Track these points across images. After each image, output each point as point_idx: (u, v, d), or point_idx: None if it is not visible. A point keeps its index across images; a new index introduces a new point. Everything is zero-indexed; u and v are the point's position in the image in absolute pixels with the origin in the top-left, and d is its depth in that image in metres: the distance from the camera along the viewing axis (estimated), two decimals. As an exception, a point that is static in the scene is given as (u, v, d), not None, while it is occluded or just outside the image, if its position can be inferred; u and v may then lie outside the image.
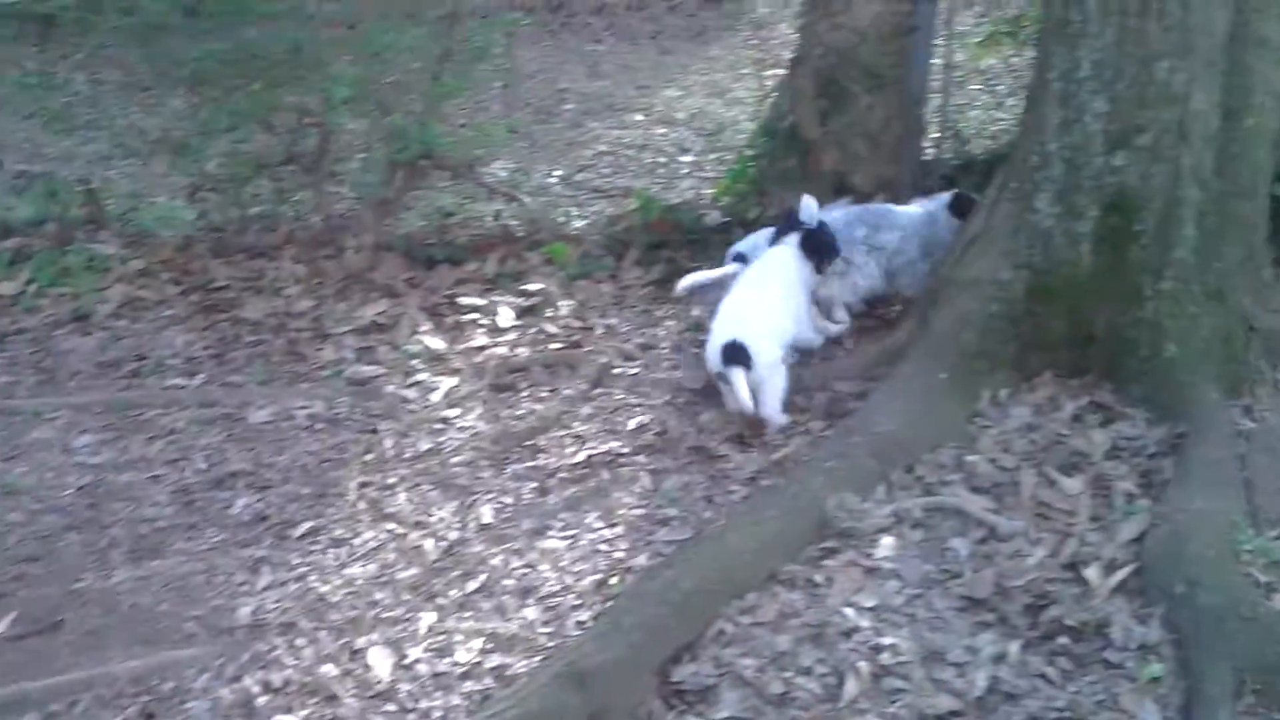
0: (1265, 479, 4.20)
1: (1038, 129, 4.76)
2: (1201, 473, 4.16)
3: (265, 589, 4.01)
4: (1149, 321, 4.66)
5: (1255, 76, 5.06)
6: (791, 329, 4.97)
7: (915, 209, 5.55)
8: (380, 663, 3.66)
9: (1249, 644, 3.39)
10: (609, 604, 3.78)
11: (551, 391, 5.18)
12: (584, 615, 3.81)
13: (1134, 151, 4.56)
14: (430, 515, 4.38)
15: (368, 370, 5.43)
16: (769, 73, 7.32)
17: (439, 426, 4.97)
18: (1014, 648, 3.58)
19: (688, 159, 8.12)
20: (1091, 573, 3.84)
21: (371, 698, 3.53)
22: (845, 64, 5.83)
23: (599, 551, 4.13)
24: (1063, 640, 3.59)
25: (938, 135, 6.41)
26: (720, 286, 5.08)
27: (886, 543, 4.03)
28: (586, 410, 5.04)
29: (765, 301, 4.87)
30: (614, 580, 3.95)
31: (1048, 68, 4.73)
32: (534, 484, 4.55)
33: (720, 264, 5.44)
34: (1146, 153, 4.56)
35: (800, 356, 5.14)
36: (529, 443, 4.79)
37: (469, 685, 3.57)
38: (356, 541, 4.25)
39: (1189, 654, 3.48)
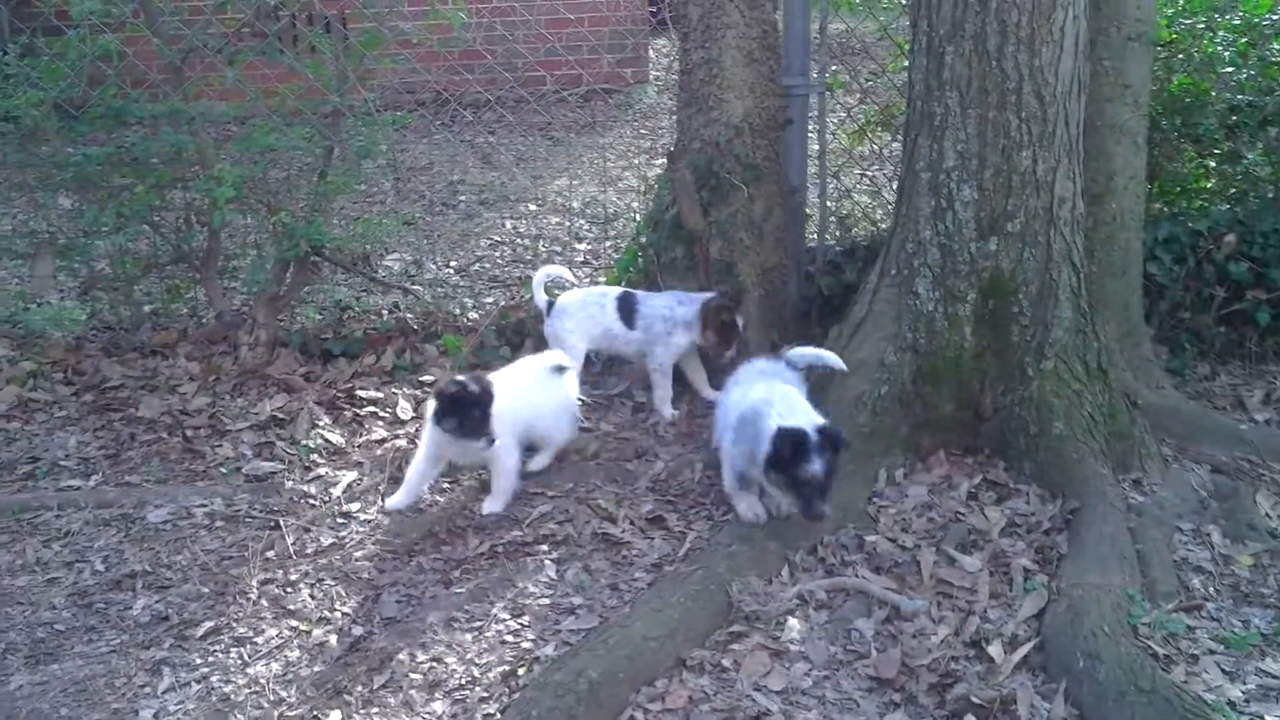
0: (1157, 552, 4.39)
1: (911, 217, 4.98)
2: (1095, 548, 4.32)
3: (167, 691, 3.95)
4: (1034, 400, 4.87)
5: (1115, 162, 5.40)
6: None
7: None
8: (287, 762, 3.63)
9: (1149, 716, 3.49)
10: (516, 695, 3.79)
11: (453, 482, 5.22)
12: (492, 708, 3.82)
13: (1005, 237, 4.80)
14: (334, 610, 4.37)
15: (267, 466, 5.41)
16: (659, 162, 7.48)
17: (341, 521, 4.97)
18: (920, 726, 3.68)
19: (582, 247, 8.25)
20: (994, 649, 3.98)
21: (279, 798, 3.50)
22: (722, 156, 6.01)
23: (505, 642, 4.15)
24: (969, 718, 3.68)
25: (819, 223, 6.61)
26: None
27: (792, 625, 4.13)
28: (488, 499, 5.08)
29: None
30: (521, 671, 3.97)
31: (916, 158, 4.96)
32: (438, 575, 4.57)
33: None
34: (1017, 238, 4.79)
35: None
36: (433, 534, 4.81)
37: (378, 781, 3.56)
38: (259, 640, 4.22)
39: (1093, 728, 3.60)
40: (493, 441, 4.79)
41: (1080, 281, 4.88)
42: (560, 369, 5.36)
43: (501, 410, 4.86)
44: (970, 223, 4.81)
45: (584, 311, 5.88)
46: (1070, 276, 4.85)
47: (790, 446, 4.28)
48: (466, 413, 4.76)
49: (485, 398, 4.79)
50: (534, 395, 5.22)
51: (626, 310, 5.85)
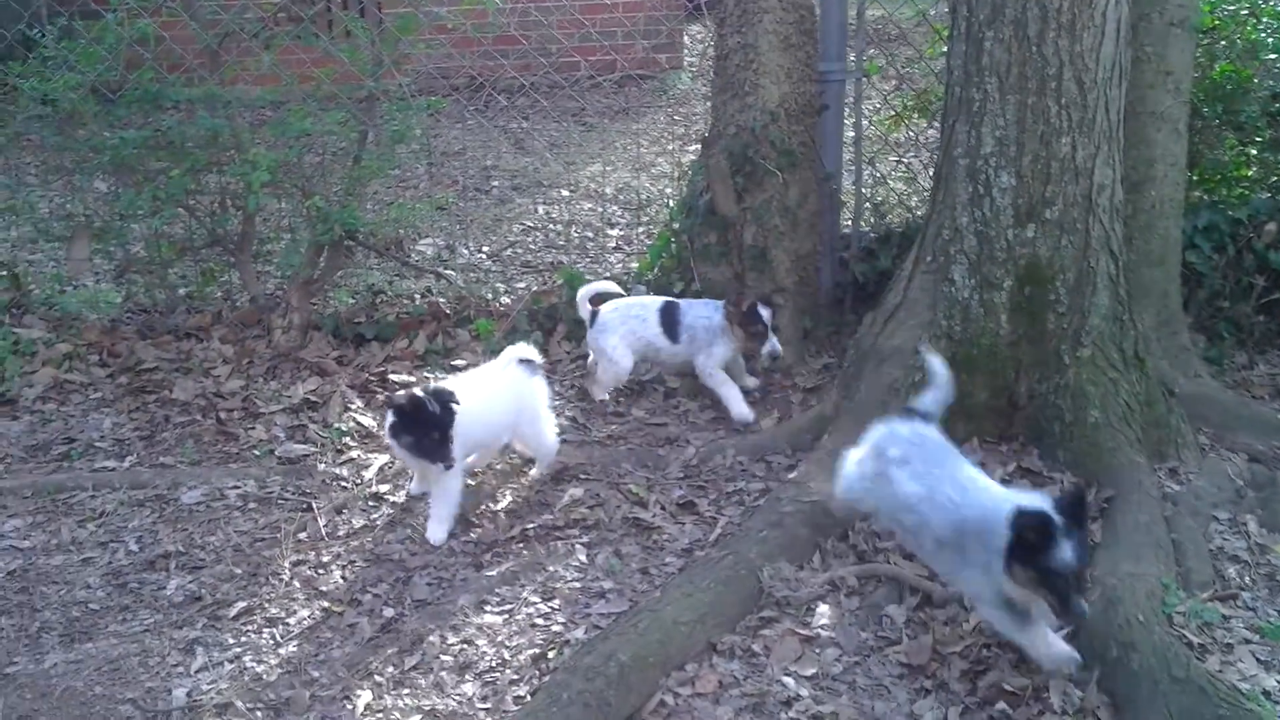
0: (1193, 541, 4.35)
1: (948, 203, 4.94)
2: (1130, 536, 4.28)
3: (200, 670, 3.98)
4: (1070, 388, 4.82)
5: (1155, 149, 5.33)
6: None
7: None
8: (318, 742, 3.65)
9: (1183, 705, 3.47)
10: (547, 678, 3.80)
11: (485, 467, 5.22)
12: (522, 690, 3.83)
13: (1043, 224, 4.75)
14: (365, 592, 4.38)
15: (299, 449, 5.44)
16: (693, 148, 7.47)
17: (372, 503, 4.99)
18: (954, 714, 3.66)
19: (615, 233, 8.24)
20: (1027, 638, 3.95)
21: (310, 777, 3.52)
22: (757, 142, 5.99)
23: (536, 625, 4.16)
24: (1001, 706, 3.66)
25: (854, 209, 6.58)
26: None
27: (823, 611, 4.12)
28: (520, 483, 5.08)
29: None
30: (551, 654, 3.98)
31: (953, 144, 4.92)
32: (469, 558, 4.58)
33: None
34: (1055, 225, 4.74)
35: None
36: (464, 517, 4.82)
37: (408, 762, 3.57)
38: (291, 620, 4.24)
39: (1126, 716, 3.58)
40: (451, 465, 4.56)
41: (1118, 269, 4.83)
42: (530, 364, 5.12)
43: (469, 419, 4.63)
44: (1008, 209, 4.77)
45: (626, 325, 5.78)
46: (1108, 264, 4.80)
47: (1037, 533, 3.46)
48: (424, 432, 4.51)
49: (446, 416, 4.51)
50: (504, 399, 4.99)
51: (669, 322, 5.76)
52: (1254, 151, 6.33)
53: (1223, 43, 6.19)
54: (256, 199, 6.05)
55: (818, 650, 3.94)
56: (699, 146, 6.44)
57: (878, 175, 7.18)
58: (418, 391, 4.58)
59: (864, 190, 6.71)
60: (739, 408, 5.63)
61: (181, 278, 6.98)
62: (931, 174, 5.51)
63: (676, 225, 6.47)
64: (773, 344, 5.59)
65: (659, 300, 5.89)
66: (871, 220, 6.72)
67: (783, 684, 3.77)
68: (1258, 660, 3.80)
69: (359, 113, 6.42)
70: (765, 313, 5.56)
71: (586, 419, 5.69)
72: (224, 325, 6.55)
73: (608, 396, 5.87)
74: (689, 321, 5.72)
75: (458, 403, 4.55)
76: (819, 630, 4.02)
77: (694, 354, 5.74)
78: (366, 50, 6.50)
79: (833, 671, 3.85)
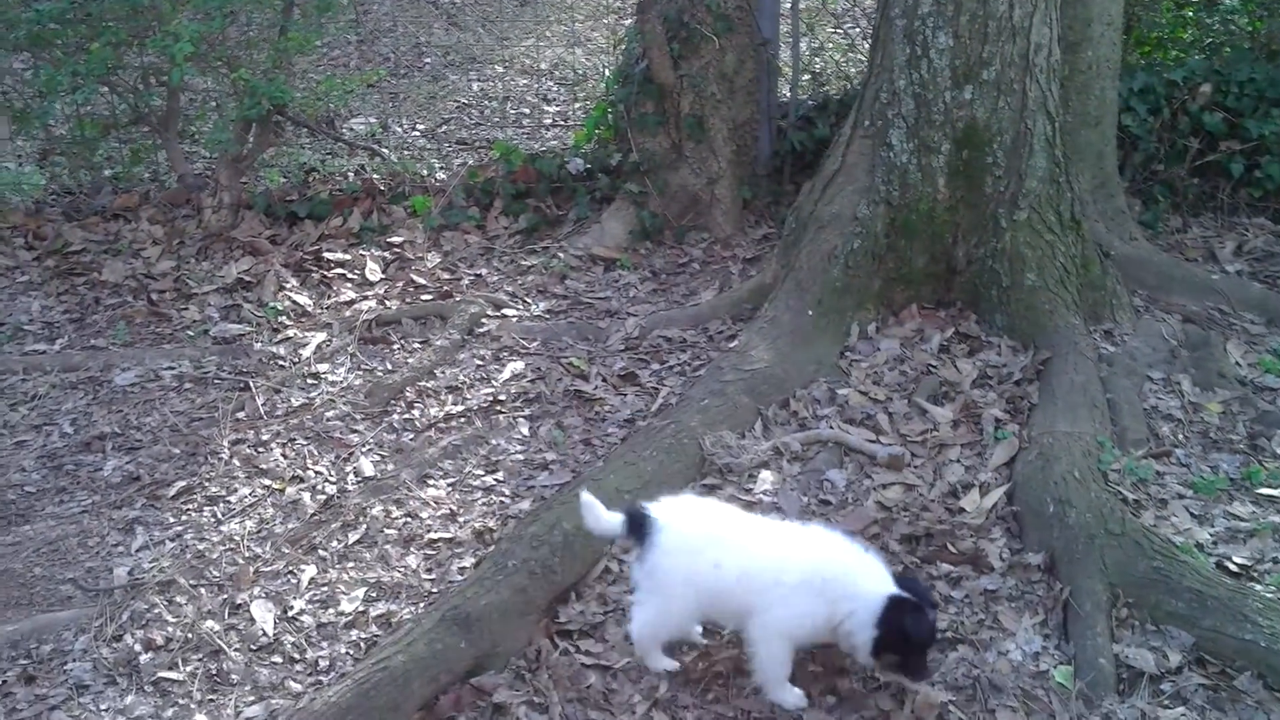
0: (1128, 401, 4.41)
1: (885, 66, 4.88)
2: (1066, 396, 4.34)
3: (140, 549, 3.97)
4: (1007, 252, 4.83)
5: (1092, 8, 5.29)
6: None
7: None
8: (264, 616, 3.65)
9: (1119, 559, 3.55)
10: (492, 548, 3.81)
11: (424, 343, 5.18)
12: (467, 561, 3.85)
13: (981, 85, 4.71)
14: (307, 469, 4.36)
15: (234, 328, 5.36)
16: (627, 22, 7.33)
17: (311, 381, 4.94)
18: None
19: (551, 109, 8.10)
20: (966, 498, 4.02)
21: (256, 650, 3.53)
22: (693, 7, 5.88)
23: (479, 498, 4.16)
24: (945, 566, 3.73)
25: (792, 77, 6.49)
26: None
27: (765, 477, 4.14)
28: (460, 359, 5.05)
29: None
30: (495, 525, 3.99)
31: (890, 5, 4.83)
32: (411, 434, 4.56)
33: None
34: (992, 86, 4.70)
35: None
36: (404, 394, 4.79)
37: (354, 634, 3.59)
38: (232, 498, 4.22)
39: (1062, 571, 3.64)
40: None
41: (1055, 131, 4.81)
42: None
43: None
44: (945, 71, 4.71)
45: None
46: (1045, 126, 4.78)
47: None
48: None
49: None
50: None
51: None
52: (1190, 13, 6.30)
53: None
54: (180, 72, 5.85)
55: (760, 515, 3.97)
56: (635, 14, 6.32)
57: (815, 44, 7.08)
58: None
59: (801, 59, 6.62)
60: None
61: (106, 159, 6.79)
62: (867, 43, 5.42)
63: (612, 95, 6.36)
64: None
65: None
66: (810, 89, 6.63)
67: (726, 548, 3.80)
68: (1190, 515, 3.89)
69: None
70: None
71: (526, 294, 5.63)
72: (152, 206, 6.39)
73: None
74: None
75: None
76: (761, 496, 4.04)
77: None
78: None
79: (775, 536, 3.88)
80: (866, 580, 3.19)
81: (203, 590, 3.76)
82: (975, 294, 4.93)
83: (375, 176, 6.67)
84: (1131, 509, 3.83)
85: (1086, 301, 4.86)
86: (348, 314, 5.42)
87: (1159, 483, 4.05)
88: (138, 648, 3.51)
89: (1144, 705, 3.18)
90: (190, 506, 4.19)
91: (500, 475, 4.28)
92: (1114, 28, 5.39)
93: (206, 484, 4.30)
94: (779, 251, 5.32)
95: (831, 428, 4.38)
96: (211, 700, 3.35)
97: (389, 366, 5.04)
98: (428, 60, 9.45)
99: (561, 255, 5.94)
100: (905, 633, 3.10)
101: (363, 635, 3.58)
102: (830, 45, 7.32)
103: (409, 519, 4.08)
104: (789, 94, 6.49)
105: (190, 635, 3.56)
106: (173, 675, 3.43)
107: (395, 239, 6.09)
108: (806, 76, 6.64)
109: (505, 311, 5.41)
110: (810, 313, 4.83)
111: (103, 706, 3.33)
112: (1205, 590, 3.40)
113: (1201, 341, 4.83)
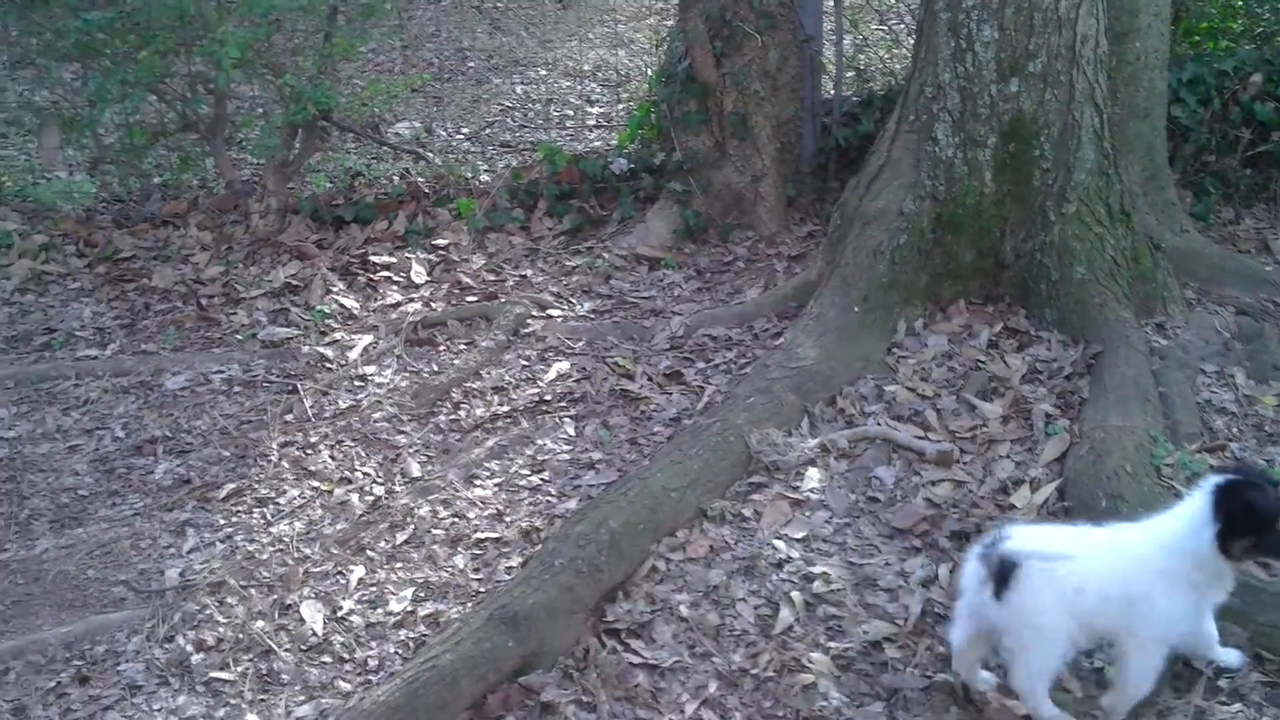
0: (1180, 394, 4.34)
1: (930, 60, 4.84)
2: (1118, 391, 4.28)
3: (191, 551, 4.00)
4: (1056, 245, 4.77)
5: (1139, -1, 5.21)
6: None
7: None
8: (313, 616, 3.67)
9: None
10: (539, 548, 3.81)
11: (469, 344, 5.20)
12: (514, 560, 3.85)
13: (1026, 78, 4.66)
14: (355, 471, 4.39)
15: (282, 332, 5.40)
16: (669, 24, 7.34)
17: (358, 384, 4.97)
18: (944, 571, 3.68)
19: (595, 110, 8.12)
20: (1016, 494, 3.97)
21: (306, 650, 3.54)
22: (735, 3, 5.85)
23: (526, 497, 4.16)
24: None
25: (836, 73, 6.46)
26: None
27: (812, 474, 4.11)
28: (506, 360, 5.06)
29: None
30: (542, 524, 3.99)
31: (934, -1, 4.80)
32: (457, 435, 4.57)
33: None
34: (1039, 78, 4.65)
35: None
36: (450, 395, 4.80)
37: (403, 633, 3.60)
38: (281, 500, 4.25)
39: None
40: None
41: (1103, 123, 4.75)
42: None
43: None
44: (990, 64, 4.67)
45: None
46: (1093, 117, 4.72)
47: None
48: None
49: None
50: None
51: None
52: (1239, 2, 6.20)
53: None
54: (226, 76, 5.90)
55: (807, 513, 3.95)
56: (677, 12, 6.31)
57: (859, 40, 7.04)
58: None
59: (845, 55, 6.58)
60: None
61: (155, 166, 6.87)
62: (912, 38, 5.38)
63: (655, 95, 6.36)
64: None
65: None
66: (854, 85, 6.60)
67: (774, 546, 3.79)
68: (1244, 508, 3.82)
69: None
70: None
71: (571, 294, 5.63)
72: (200, 212, 6.47)
73: None
74: None
75: None
76: (808, 494, 4.02)
77: None
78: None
79: (823, 534, 3.86)
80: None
81: (253, 591, 3.78)
82: (1024, 288, 4.88)
83: (420, 180, 6.71)
84: (1185, 504, 3.77)
85: (1137, 294, 4.79)
86: (394, 316, 5.44)
87: (1213, 477, 3.98)
88: (189, 648, 3.54)
89: (1200, 702, 3.13)
90: (240, 508, 4.22)
91: (546, 475, 4.29)
92: (1162, 18, 5.32)
93: (256, 486, 4.33)
94: (824, 248, 5.29)
95: (879, 424, 4.35)
96: (263, 700, 3.37)
97: (435, 368, 5.05)
98: (471, 64, 9.52)
99: (606, 255, 5.94)
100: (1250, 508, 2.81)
101: (411, 635, 3.58)
102: (874, 41, 7.28)
103: (456, 519, 4.08)
104: (833, 90, 6.45)
105: (241, 636, 3.59)
106: (224, 675, 3.45)
107: (440, 241, 6.11)
108: (850, 73, 6.60)
109: (550, 312, 5.41)
110: (856, 309, 4.80)
111: (155, 707, 3.36)
112: (1260, 585, 3.34)
113: (1255, 334, 4.75)
